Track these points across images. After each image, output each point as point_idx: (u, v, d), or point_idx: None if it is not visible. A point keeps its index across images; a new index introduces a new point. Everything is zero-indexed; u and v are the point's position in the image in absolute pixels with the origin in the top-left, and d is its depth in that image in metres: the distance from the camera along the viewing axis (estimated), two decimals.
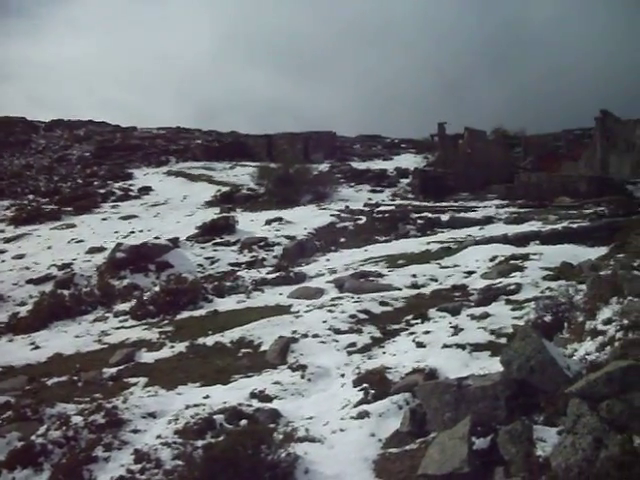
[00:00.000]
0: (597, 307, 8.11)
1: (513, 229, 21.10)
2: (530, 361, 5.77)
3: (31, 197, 38.61)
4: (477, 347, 9.67)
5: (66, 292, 17.12)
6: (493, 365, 7.66)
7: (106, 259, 20.10)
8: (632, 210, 22.03)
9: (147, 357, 11.41)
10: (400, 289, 14.43)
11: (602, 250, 15.60)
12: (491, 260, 16.31)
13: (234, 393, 9.13)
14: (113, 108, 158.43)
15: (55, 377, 10.63)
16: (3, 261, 22.25)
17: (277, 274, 17.85)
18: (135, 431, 7.98)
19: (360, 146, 57.70)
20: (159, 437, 7.68)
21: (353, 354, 10.51)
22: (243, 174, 39.47)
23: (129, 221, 29.72)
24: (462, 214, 27.03)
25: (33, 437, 7.67)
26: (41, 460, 7.35)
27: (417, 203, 31.57)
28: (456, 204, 30.72)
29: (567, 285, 11.51)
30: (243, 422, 8.00)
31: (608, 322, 6.98)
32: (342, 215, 27.27)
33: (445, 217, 26.26)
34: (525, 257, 15.93)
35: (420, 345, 10.25)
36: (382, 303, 13.02)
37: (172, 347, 11.80)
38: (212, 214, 28.09)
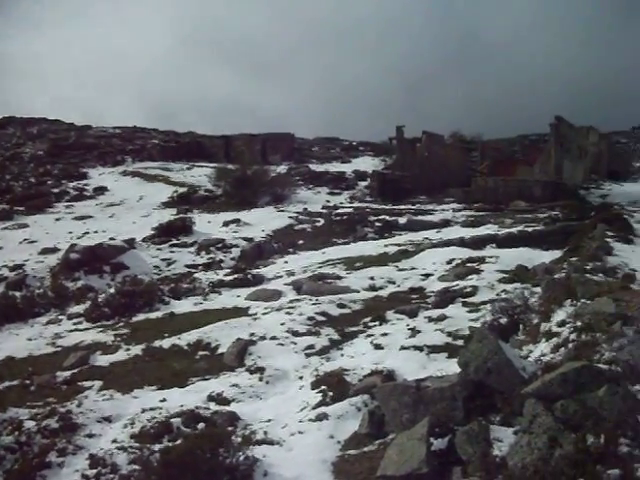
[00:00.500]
0: (551, 309, 8.29)
1: (470, 232, 21.41)
2: (487, 362, 5.85)
3: None
4: (434, 349, 9.77)
5: (18, 294, 16.72)
6: (450, 367, 7.75)
7: (60, 260, 19.70)
8: (585, 214, 22.54)
9: (102, 360, 11.19)
10: (358, 291, 14.50)
11: (556, 253, 15.92)
12: (448, 263, 16.52)
13: (191, 396, 9.04)
14: (68, 106, 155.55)
15: (7, 381, 10.34)
16: None
17: (235, 276, 17.76)
18: (90, 436, 7.84)
19: (319, 148, 57.81)
20: (115, 441, 7.56)
21: (311, 356, 10.50)
22: (200, 175, 39.17)
23: (83, 221, 29.17)
24: (420, 217, 27.30)
25: None
26: None
27: (375, 206, 31.76)
28: (414, 207, 31.01)
29: (522, 288, 11.74)
30: (201, 425, 7.93)
31: (562, 324, 7.14)
32: (300, 217, 27.30)
33: (403, 220, 26.50)
34: (481, 260, 16.18)
35: (378, 347, 10.30)
36: (340, 305, 13.06)
37: (128, 350, 11.60)
38: (169, 215, 27.84)
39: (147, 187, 37.46)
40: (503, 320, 9.43)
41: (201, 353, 11.10)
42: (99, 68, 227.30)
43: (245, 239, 22.96)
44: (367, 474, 6.22)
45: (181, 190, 34.51)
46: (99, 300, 15.15)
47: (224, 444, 6.79)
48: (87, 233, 26.15)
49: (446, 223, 25.57)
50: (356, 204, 32.66)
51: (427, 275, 15.56)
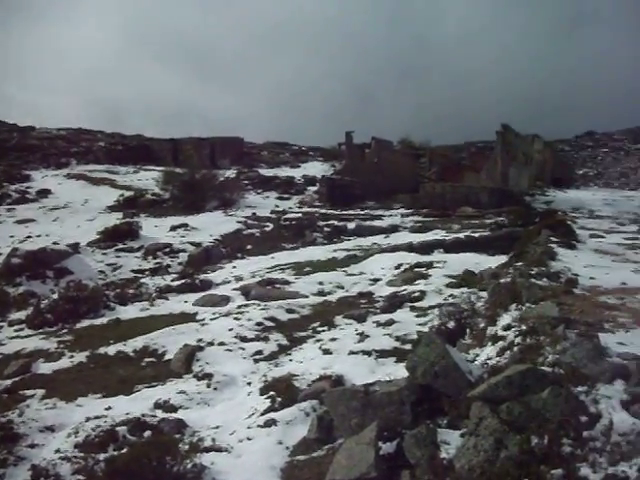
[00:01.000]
0: (497, 313, 8.43)
1: (418, 238, 21.65)
2: (434, 366, 5.90)
3: None
4: (383, 353, 9.86)
5: None
6: (399, 371, 7.82)
7: (0, 265, 19.13)
8: (530, 220, 22.96)
9: (45, 368, 10.88)
10: (307, 296, 14.52)
11: (502, 258, 16.19)
12: (396, 268, 16.67)
13: (137, 404, 8.89)
14: (9, 106, 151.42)
15: None
16: None
17: (182, 281, 17.58)
18: (32, 446, 7.62)
19: (268, 153, 57.63)
20: (58, 451, 7.36)
21: (260, 362, 10.46)
22: (148, 179, 38.56)
23: (26, 225, 28.34)
24: (368, 222, 27.51)
25: None
26: None
27: (324, 211, 31.85)
28: (362, 212, 31.22)
29: (469, 292, 11.94)
30: (147, 433, 7.80)
31: (508, 328, 7.26)
32: (249, 222, 27.18)
33: (352, 225, 26.65)
34: (429, 265, 16.38)
35: (327, 352, 10.33)
36: (289, 310, 13.05)
37: (72, 357, 11.33)
38: (115, 219, 27.32)
39: (92, 190, 36.68)
40: (450, 324, 9.55)
41: (147, 360, 10.94)
42: (43, 68, 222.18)
43: (193, 244, 22.73)
44: (316, 479, 6.21)
45: (128, 194, 33.92)
46: (42, 306, 14.74)
47: (171, 452, 6.71)
48: (29, 237, 25.37)
49: (394, 228, 25.82)
50: (305, 209, 32.69)
51: (375, 280, 15.68)
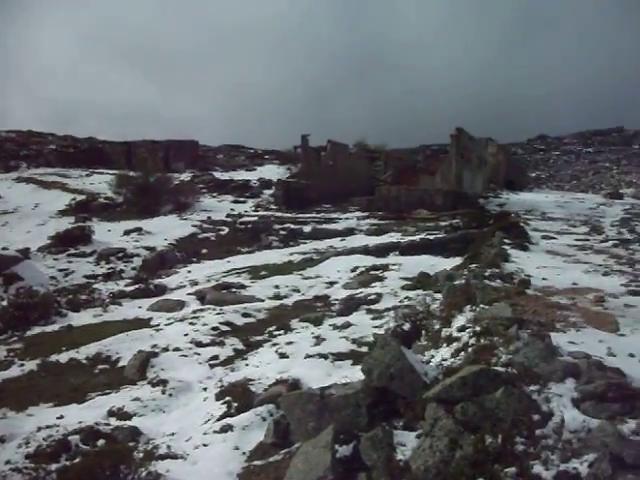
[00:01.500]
0: (452, 315, 8.52)
1: (374, 240, 21.78)
2: (390, 369, 5.92)
3: None
4: (339, 356, 9.86)
5: None
6: (355, 374, 7.82)
7: None
8: (484, 222, 23.29)
9: None
10: (263, 300, 14.46)
11: (457, 260, 16.40)
12: (352, 271, 16.73)
13: (90, 412, 8.71)
14: None
15: None
16: None
17: (136, 286, 17.36)
18: None
19: (223, 156, 57.31)
20: (8, 462, 7.17)
21: (215, 367, 10.37)
22: (100, 182, 37.86)
23: None
24: (324, 225, 27.54)
25: None
26: None
27: (280, 214, 31.79)
28: (318, 215, 31.24)
29: (424, 294, 12.04)
30: (101, 442, 7.66)
31: (462, 329, 7.34)
32: (204, 226, 26.96)
33: (307, 228, 26.65)
34: (385, 267, 16.48)
35: (283, 356, 10.30)
36: (245, 315, 12.98)
37: (22, 365, 11.06)
38: (66, 224, 26.72)
39: (43, 194, 35.84)
40: (406, 326, 9.61)
41: (101, 367, 10.75)
42: None
43: (147, 248, 22.44)
44: None
45: (80, 198, 33.23)
46: None
47: (125, 460, 6.61)
48: None
49: (350, 231, 25.90)
50: (261, 212, 32.56)
51: (332, 283, 15.71)
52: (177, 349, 11.05)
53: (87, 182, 39.68)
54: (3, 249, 20.57)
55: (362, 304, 13.07)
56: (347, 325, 11.52)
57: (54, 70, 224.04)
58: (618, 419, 4.39)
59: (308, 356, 9.97)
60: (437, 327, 8.65)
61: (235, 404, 8.46)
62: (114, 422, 8.34)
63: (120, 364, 10.75)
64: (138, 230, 25.37)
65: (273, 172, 46.31)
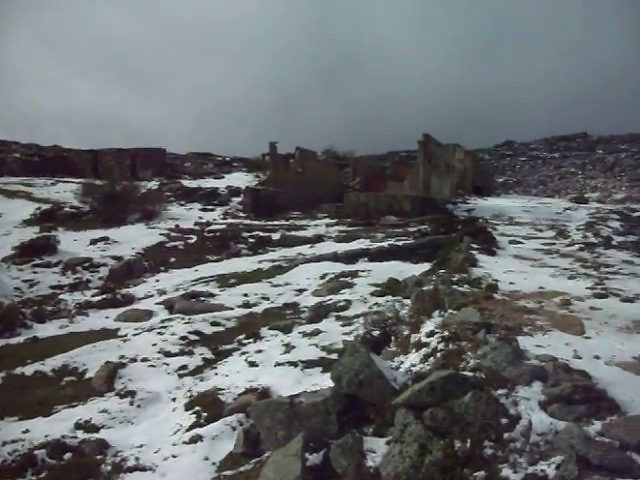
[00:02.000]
0: (421, 320, 8.55)
1: (343, 247, 21.80)
2: (359, 375, 5.92)
3: None
4: (309, 364, 9.84)
5: None
6: (325, 381, 7.81)
7: None
8: (452, 228, 23.47)
9: None
10: (232, 309, 14.38)
11: (425, 266, 16.50)
12: (321, 278, 16.73)
13: (57, 425, 8.56)
14: None
15: None
16: None
17: (103, 296, 17.14)
18: None
19: (191, 164, 56.96)
20: None
21: (185, 377, 10.28)
22: (66, 191, 37.31)
23: None
24: (293, 232, 27.51)
25: None
26: None
27: (249, 222, 31.72)
28: (287, 223, 31.24)
29: (393, 300, 12.10)
30: (67, 455, 7.55)
31: (431, 334, 7.36)
32: (172, 234, 26.76)
33: (276, 236, 26.60)
34: (354, 274, 16.52)
35: (253, 364, 10.25)
36: (214, 323, 12.90)
37: None
38: (31, 233, 26.28)
39: (7, 204, 35.16)
40: (375, 333, 9.64)
41: (67, 379, 10.56)
42: None
43: (114, 258, 22.20)
44: None
45: (45, 207, 32.72)
46: None
47: (93, 474, 6.52)
48: None
49: (319, 238, 25.91)
50: (229, 220, 32.44)
51: (301, 290, 15.69)
52: (145, 359, 10.93)
53: (52, 191, 39.07)
54: None
55: (331, 311, 13.07)
56: (317, 332, 11.51)
57: (19, 76, 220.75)
58: (584, 421, 4.45)
59: (278, 364, 9.94)
60: (406, 333, 8.68)
61: (205, 414, 8.40)
62: (81, 435, 8.21)
63: (87, 376, 10.58)
64: (105, 239, 25.08)
65: (241, 180, 46.15)
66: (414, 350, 7.28)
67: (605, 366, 5.77)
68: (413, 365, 6.66)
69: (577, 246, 18.95)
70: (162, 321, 13.43)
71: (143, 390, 9.68)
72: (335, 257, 19.69)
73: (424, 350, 6.95)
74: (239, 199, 38.22)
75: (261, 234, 26.92)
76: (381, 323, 9.81)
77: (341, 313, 12.91)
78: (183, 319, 13.28)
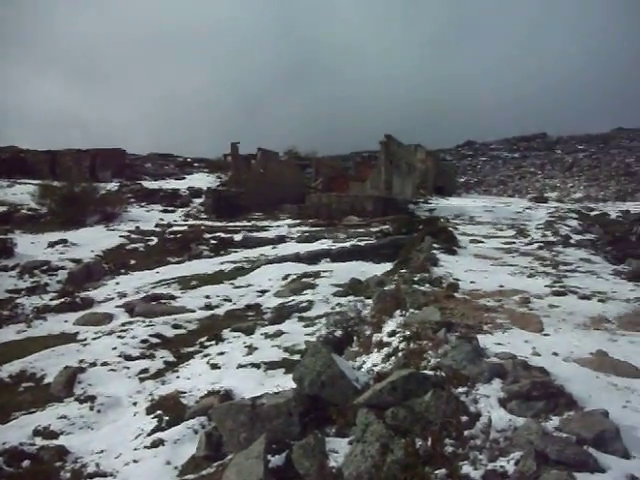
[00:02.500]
0: (383, 320, 8.59)
1: (305, 248, 21.80)
2: (321, 376, 5.92)
3: None
4: (272, 365, 9.82)
5: None
6: (287, 382, 7.78)
7: None
8: (414, 228, 23.62)
9: None
10: (193, 311, 14.27)
11: (388, 266, 16.59)
12: (284, 279, 16.70)
13: (14, 432, 8.38)
14: None
15: None
16: None
17: (62, 300, 16.81)
18: None
19: (152, 164, 56.37)
20: None
21: (146, 380, 10.17)
22: (23, 193, 36.54)
23: None
24: (255, 234, 27.42)
25: None
26: None
27: (210, 223, 31.54)
28: (249, 224, 31.13)
29: (356, 300, 12.14)
30: (26, 463, 7.43)
31: (392, 334, 7.41)
32: (132, 236, 26.44)
33: (238, 237, 26.49)
34: (316, 275, 16.53)
35: (215, 367, 10.19)
36: (175, 326, 12.79)
37: None
38: None
39: None
40: (338, 333, 9.67)
41: (25, 385, 10.36)
42: None
43: (73, 260, 21.82)
44: None
45: (1, 209, 32.14)
46: None
47: None
48: None
49: (281, 239, 25.88)
50: (191, 222, 32.23)
51: (263, 291, 15.64)
52: (105, 363, 10.78)
53: (9, 193, 38.24)
54: None
55: (294, 312, 13.07)
56: (279, 333, 11.49)
57: None
58: (542, 416, 4.52)
59: (240, 366, 9.89)
60: (368, 333, 8.71)
61: (166, 418, 8.32)
62: (40, 442, 8.07)
63: (45, 381, 10.38)
64: (63, 242, 24.63)
65: (203, 180, 45.84)
66: (376, 350, 7.32)
67: (563, 362, 5.87)
68: (375, 365, 6.69)
69: (536, 245, 19.27)
70: (122, 324, 13.25)
71: (103, 395, 9.55)
72: (297, 258, 19.68)
73: (386, 350, 6.99)
74: (201, 200, 37.98)
75: (223, 235, 26.77)
76: (343, 323, 9.84)
77: (304, 314, 12.91)
78: (144, 322, 13.14)
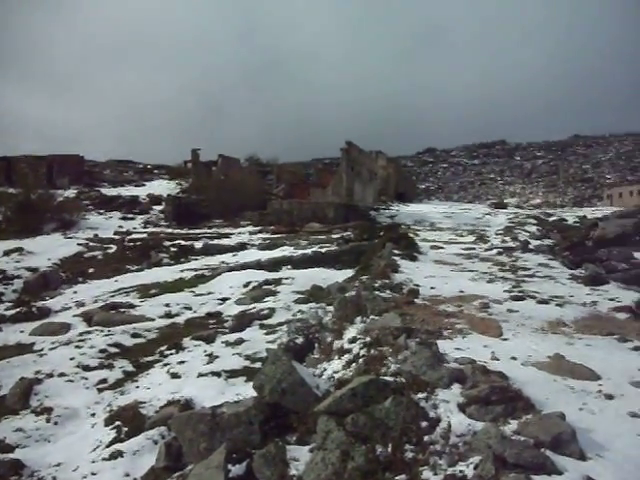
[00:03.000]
0: (344, 327, 8.60)
1: (266, 255, 21.74)
2: (281, 384, 5.90)
3: None
4: (233, 373, 9.74)
5: None
6: (248, 390, 7.74)
7: None
8: (375, 234, 23.74)
9: None
10: (153, 319, 14.09)
11: (349, 272, 16.64)
12: (245, 286, 16.62)
13: None
14: None
15: None
16: None
17: (17, 310, 16.46)
18: None
19: (111, 171, 55.74)
20: None
21: (104, 391, 9.99)
22: None
23: None
24: (216, 241, 27.27)
25: None
26: None
27: (170, 230, 31.31)
28: (210, 231, 30.95)
29: (317, 307, 12.14)
30: None
31: (353, 340, 7.42)
32: (90, 244, 26.09)
33: (199, 244, 26.31)
34: (278, 282, 16.47)
35: (175, 376, 10.06)
36: (134, 335, 12.61)
37: None
38: None
39: None
40: (299, 340, 9.63)
41: None
42: None
43: (29, 269, 21.44)
44: None
45: None
46: None
47: None
48: None
49: (242, 246, 25.78)
50: (151, 229, 31.93)
51: (224, 299, 15.53)
52: (62, 374, 10.56)
53: None
54: None
55: (255, 319, 13.00)
56: (240, 341, 11.42)
57: None
58: (501, 420, 4.56)
59: (201, 375, 9.79)
60: (329, 339, 8.71)
61: (125, 429, 8.19)
62: None
63: (0, 393, 10.13)
64: (19, 250, 24.18)
65: (163, 187, 45.47)
66: (337, 357, 7.31)
67: (521, 366, 5.95)
68: (336, 372, 6.69)
69: (496, 250, 19.51)
70: (80, 334, 13.00)
71: (60, 406, 9.36)
72: (259, 265, 19.62)
73: (347, 356, 6.99)
74: (160, 207, 37.67)
75: (183, 243, 26.56)
76: (304, 330, 9.81)
77: (265, 321, 12.85)
78: (102, 331, 12.92)
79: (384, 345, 6.62)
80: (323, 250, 21.60)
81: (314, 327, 9.91)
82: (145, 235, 28.65)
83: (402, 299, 9.87)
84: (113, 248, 25.57)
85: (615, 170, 77.47)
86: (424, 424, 4.70)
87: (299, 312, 12.89)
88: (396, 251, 16.33)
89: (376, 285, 11.05)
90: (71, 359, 11.22)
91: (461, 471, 4.10)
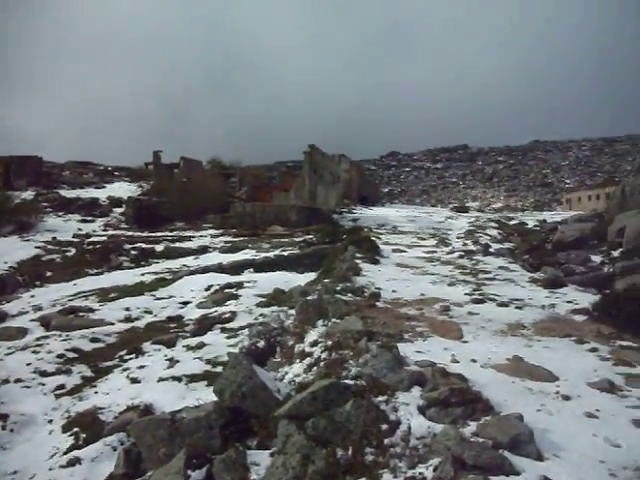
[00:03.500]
0: (305, 330, 8.59)
1: (228, 258, 21.65)
2: (242, 388, 5.86)
3: None
4: (193, 378, 9.67)
5: None
6: (209, 395, 7.67)
7: None
8: (337, 238, 23.83)
9: None
10: (113, 324, 13.92)
11: (311, 276, 16.64)
12: (206, 289, 16.52)
13: None
14: None
15: None
16: None
17: None
18: None
19: (70, 173, 54.84)
20: None
21: (62, 397, 9.82)
22: None
23: None
24: (177, 244, 27.07)
25: None
26: None
27: (131, 233, 30.97)
28: (171, 234, 30.69)
29: (279, 311, 12.09)
30: None
31: (315, 344, 7.41)
32: (49, 247, 25.67)
33: (160, 247, 26.10)
34: (239, 285, 16.41)
35: (135, 381, 9.95)
36: (93, 340, 12.43)
37: None
38: None
39: None
40: (261, 344, 9.58)
41: None
42: None
43: None
44: None
45: None
46: None
47: None
48: None
49: (204, 249, 25.64)
50: (111, 232, 31.55)
51: (185, 303, 15.42)
52: (19, 380, 10.36)
53: None
54: None
55: (216, 323, 12.93)
56: (201, 345, 11.34)
57: None
58: (460, 422, 4.59)
59: (161, 379, 9.71)
60: (291, 343, 8.69)
61: (83, 435, 8.07)
62: None
63: None
64: None
65: (124, 189, 44.92)
66: (298, 360, 7.30)
67: (481, 369, 6.01)
68: (297, 375, 6.68)
69: (457, 254, 19.70)
70: (37, 339, 12.77)
71: (16, 413, 9.17)
72: (220, 268, 19.53)
73: (308, 360, 6.98)
74: (121, 210, 37.23)
75: (144, 246, 26.30)
76: (266, 334, 9.76)
77: (226, 325, 12.79)
78: (60, 336, 12.71)
79: (345, 348, 6.62)
80: (285, 253, 21.60)
81: (276, 331, 9.87)
82: (105, 238, 28.32)
83: (364, 302, 9.90)
84: (72, 251, 25.20)
85: (574, 175, 79.10)
86: (384, 427, 4.72)
87: (261, 316, 12.87)
88: (358, 254, 16.38)
89: (338, 288, 11.07)
90: (28, 364, 11.01)
91: (421, 473, 4.12)
